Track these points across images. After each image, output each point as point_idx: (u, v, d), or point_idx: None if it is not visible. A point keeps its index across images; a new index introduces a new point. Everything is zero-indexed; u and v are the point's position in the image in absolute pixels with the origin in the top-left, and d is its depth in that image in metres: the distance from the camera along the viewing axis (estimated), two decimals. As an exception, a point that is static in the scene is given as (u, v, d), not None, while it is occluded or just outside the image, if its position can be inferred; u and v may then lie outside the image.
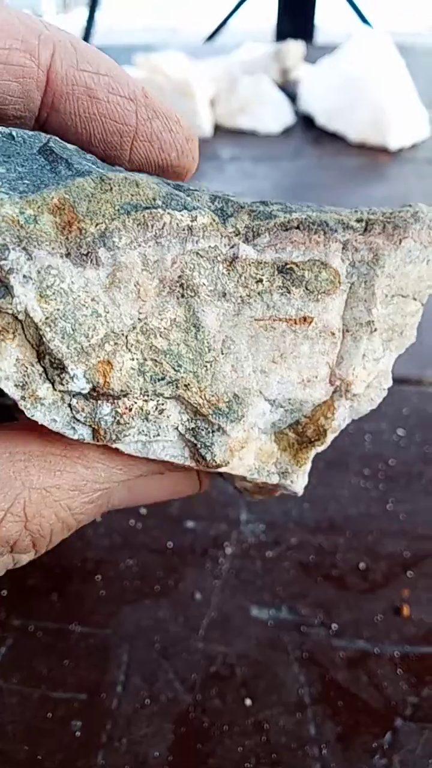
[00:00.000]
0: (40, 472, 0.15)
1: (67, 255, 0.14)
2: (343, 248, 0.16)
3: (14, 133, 0.16)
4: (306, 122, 0.77)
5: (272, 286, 0.16)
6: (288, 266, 0.16)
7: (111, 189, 0.15)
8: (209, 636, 0.26)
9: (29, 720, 0.23)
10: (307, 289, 0.16)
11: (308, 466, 0.18)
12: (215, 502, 0.31)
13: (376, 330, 0.17)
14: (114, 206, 0.15)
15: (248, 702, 0.24)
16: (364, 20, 1.33)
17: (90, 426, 0.15)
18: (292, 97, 0.79)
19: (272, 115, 0.75)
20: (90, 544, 0.27)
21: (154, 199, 0.15)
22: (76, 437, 0.15)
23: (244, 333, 0.16)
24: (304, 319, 0.17)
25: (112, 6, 2.36)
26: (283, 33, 1.21)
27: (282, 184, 0.63)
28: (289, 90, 0.80)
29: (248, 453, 0.17)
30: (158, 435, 0.16)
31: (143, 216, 0.15)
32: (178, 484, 0.19)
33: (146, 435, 0.16)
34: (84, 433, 0.15)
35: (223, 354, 0.16)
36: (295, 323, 0.16)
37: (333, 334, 0.17)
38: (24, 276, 0.14)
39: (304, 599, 0.27)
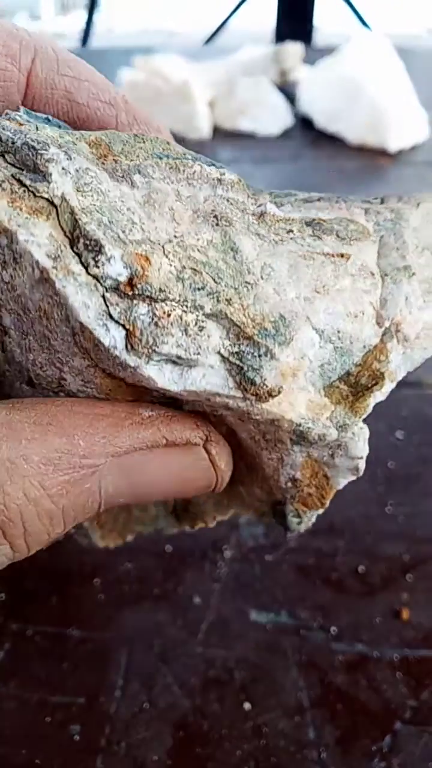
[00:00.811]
0: (1, 441, 0.12)
1: (105, 170, 0.15)
2: (366, 212, 0.17)
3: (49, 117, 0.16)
4: (305, 124, 0.78)
5: (303, 234, 0.16)
6: (316, 221, 0.16)
7: (144, 141, 0.16)
8: (208, 640, 0.26)
9: (27, 724, 0.23)
10: (338, 236, 0.16)
11: (364, 424, 0.16)
12: (214, 505, 0.31)
13: (414, 274, 0.17)
14: (147, 152, 0.15)
15: (247, 706, 0.24)
16: (363, 22, 1.34)
17: (124, 326, 0.14)
18: (291, 99, 0.79)
19: (271, 117, 0.75)
20: (88, 548, 0.27)
21: (185, 155, 0.16)
22: (107, 341, 0.13)
23: (283, 261, 0.16)
24: (342, 255, 0.16)
25: (111, 8, 2.36)
26: (282, 35, 1.21)
27: (281, 185, 0.63)
28: (288, 92, 0.80)
29: (298, 401, 0.15)
30: (198, 354, 0.14)
31: (175, 162, 0.15)
32: (187, 468, 0.15)
33: (185, 350, 0.14)
34: (116, 335, 0.14)
35: (263, 279, 0.15)
36: (333, 257, 0.16)
37: (372, 274, 0.16)
38: (63, 168, 0.14)
39: (303, 603, 0.27)
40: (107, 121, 0.17)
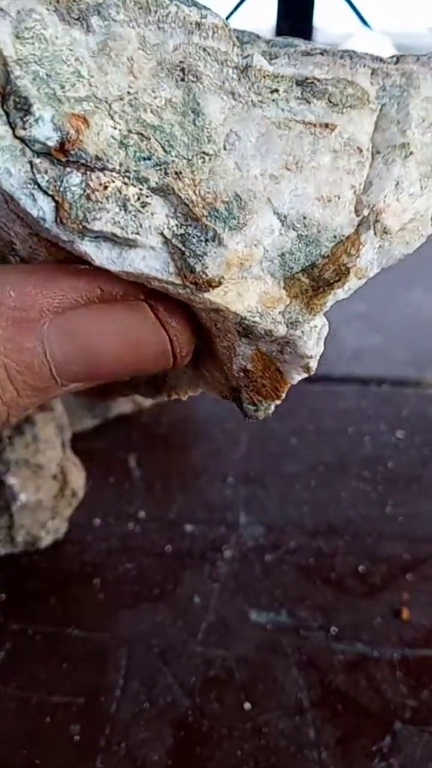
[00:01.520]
0: None
1: (55, 12, 0.12)
2: (372, 73, 0.14)
3: None
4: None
5: (289, 96, 0.14)
6: (309, 80, 0.14)
7: None
8: (208, 640, 0.26)
9: (27, 724, 0.23)
10: (330, 101, 0.14)
11: (322, 321, 0.15)
12: (214, 506, 0.31)
13: (411, 154, 0.14)
14: None
15: (247, 706, 0.24)
16: (363, 21, 1.33)
17: (53, 197, 0.12)
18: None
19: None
20: (88, 548, 0.27)
21: None
22: (34, 212, 0.12)
23: (252, 129, 0.14)
24: (326, 125, 0.14)
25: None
26: (282, 33, 1.21)
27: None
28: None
29: (249, 292, 0.14)
30: (138, 234, 0.13)
31: (146, 1, 0.13)
32: (133, 327, 0.14)
33: (122, 228, 0.13)
34: (45, 207, 0.12)
35: (225, 150, 0.13)
36: (315, 127, 0.14)
37: (360, 151, 0.14)
38: (1, 9, 0.12)
39: (303, 603, 0.27)
40: None
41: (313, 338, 0.15)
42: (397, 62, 0.15)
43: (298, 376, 0.16)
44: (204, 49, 0.13)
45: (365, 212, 0.14)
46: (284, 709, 0.24)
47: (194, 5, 0.13)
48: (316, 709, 0.24)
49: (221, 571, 0.28)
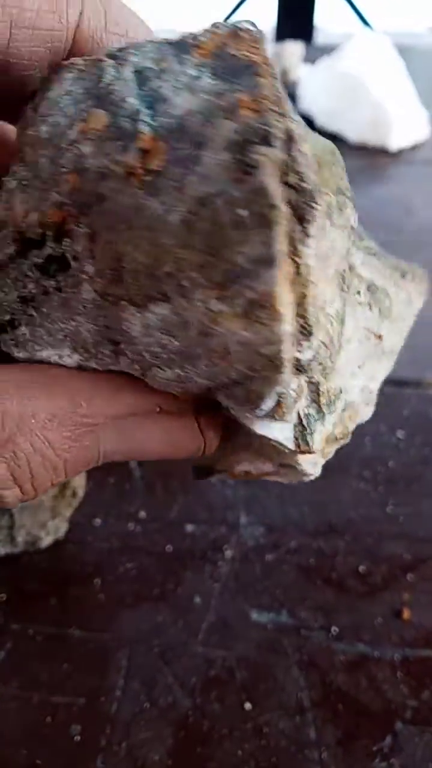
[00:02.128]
0: (13, 398, 0.14)
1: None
2: (395, 284, 0.18)
3: None
4: (306, 122, 0.77)
5: (364, 300, 0.17)
6: (372, 287, 0.17)
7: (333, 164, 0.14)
8: (209, 640, 0.26)
9: (28, 724, 0.23)
10: (380, 311, 0.18)
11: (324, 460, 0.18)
12: (214, 506, 0.31)
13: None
14: (333, 185, 0.14)
15: (248, 706, 0.24)
16: (364, 21, 1.33)
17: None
18: (292, 97, 0.79)
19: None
20: (89, 548, 0.27)
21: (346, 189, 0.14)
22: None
23: (352, 331, 0.17)
24: (380, 336, 0.18)
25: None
26: (282, 34, 1.21)
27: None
28: (289, 91, 0.80)
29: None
30: (290, 414, 0.15)
31: (342, 200, 0.14)
32: (175, 431, 0.16)
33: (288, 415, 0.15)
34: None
35: (343, 347, 0.16)
36: (376, 338, 0.18)
37: (392, 354, 0.18)
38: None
39: (303, 603, 0.27)
40: None
41: (319, 467, 0.18)
42: (403, 276, 0.18)
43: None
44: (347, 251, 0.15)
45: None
46: (285, 709, 0.24)
47: (351, 201, 0.14)
48: (317, 709, 0.24)
49: (222, 571, 0.28)
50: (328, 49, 0.79)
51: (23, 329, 0.14)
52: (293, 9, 1.27)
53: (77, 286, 0.13)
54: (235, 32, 0.13)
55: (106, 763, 0.22)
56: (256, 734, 0.23)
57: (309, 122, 0.76)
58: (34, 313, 0.14)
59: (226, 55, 0.12)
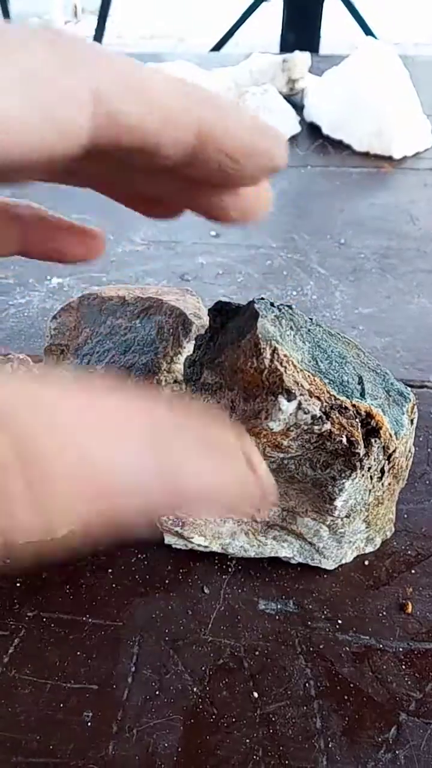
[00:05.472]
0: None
1: None
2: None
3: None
4: (312, 131, 0.78)
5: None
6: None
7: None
8: (217, 629, 0.26)
9: (42, 710, 0.24)
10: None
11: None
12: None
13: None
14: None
15: (255, 694, 0.24)
16: (369, 32, 1.35)
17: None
18: (299, 107, 0.81)
19: (279, 125, 0.76)
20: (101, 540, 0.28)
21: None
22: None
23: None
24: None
25: (121, 14, 2.38)
26: (288, 44, 1.22)
27: (289, 191, 0.64)
28: (295, 100, 0.81)
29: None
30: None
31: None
32: (224, 464, 0.12)
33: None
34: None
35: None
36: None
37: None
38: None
39: (310, 594, 0.27)
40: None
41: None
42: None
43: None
44: None
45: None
46: (292, 699, 0.24)
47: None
48: (323, 698, 0.24)
49: (230, 562, 0.29)
50: (333, 60, 0.80)
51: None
52: (299, 19, 1.29)
53: None
54: None
55: (116, 748, 0.23)
56: (264, 722, 0.23)
57: (315, 130, 0.77)
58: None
59: None
